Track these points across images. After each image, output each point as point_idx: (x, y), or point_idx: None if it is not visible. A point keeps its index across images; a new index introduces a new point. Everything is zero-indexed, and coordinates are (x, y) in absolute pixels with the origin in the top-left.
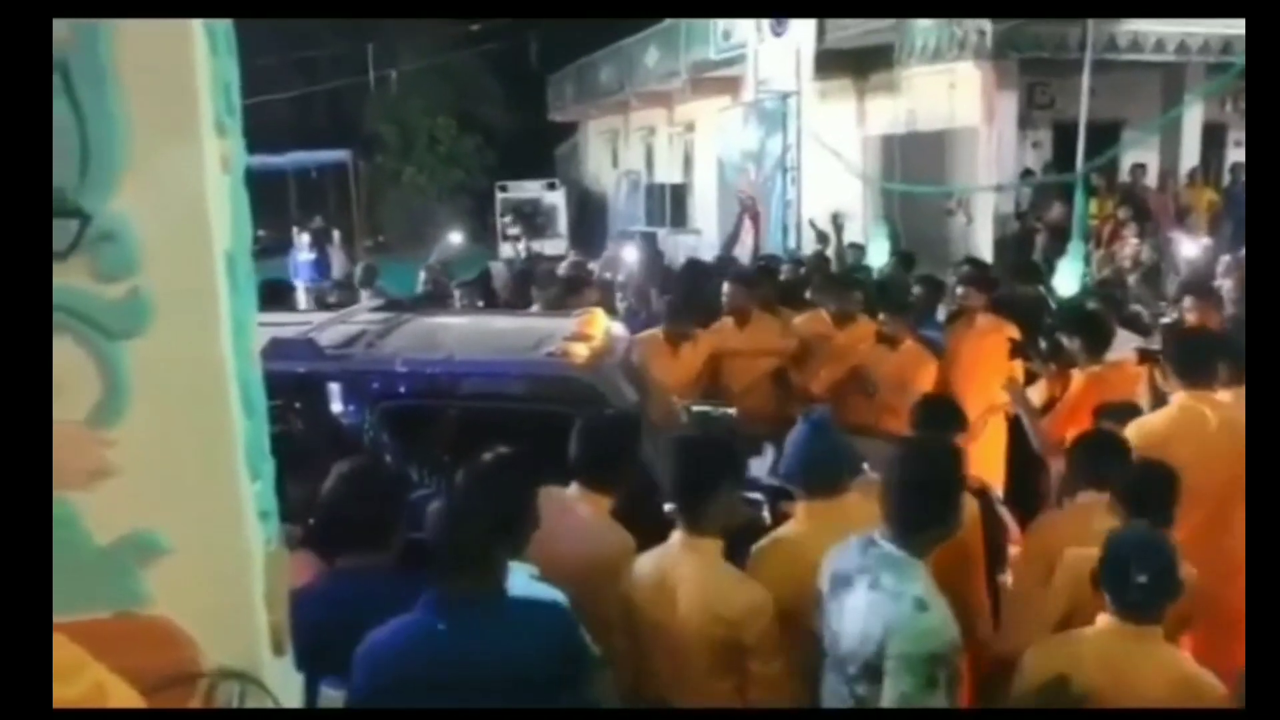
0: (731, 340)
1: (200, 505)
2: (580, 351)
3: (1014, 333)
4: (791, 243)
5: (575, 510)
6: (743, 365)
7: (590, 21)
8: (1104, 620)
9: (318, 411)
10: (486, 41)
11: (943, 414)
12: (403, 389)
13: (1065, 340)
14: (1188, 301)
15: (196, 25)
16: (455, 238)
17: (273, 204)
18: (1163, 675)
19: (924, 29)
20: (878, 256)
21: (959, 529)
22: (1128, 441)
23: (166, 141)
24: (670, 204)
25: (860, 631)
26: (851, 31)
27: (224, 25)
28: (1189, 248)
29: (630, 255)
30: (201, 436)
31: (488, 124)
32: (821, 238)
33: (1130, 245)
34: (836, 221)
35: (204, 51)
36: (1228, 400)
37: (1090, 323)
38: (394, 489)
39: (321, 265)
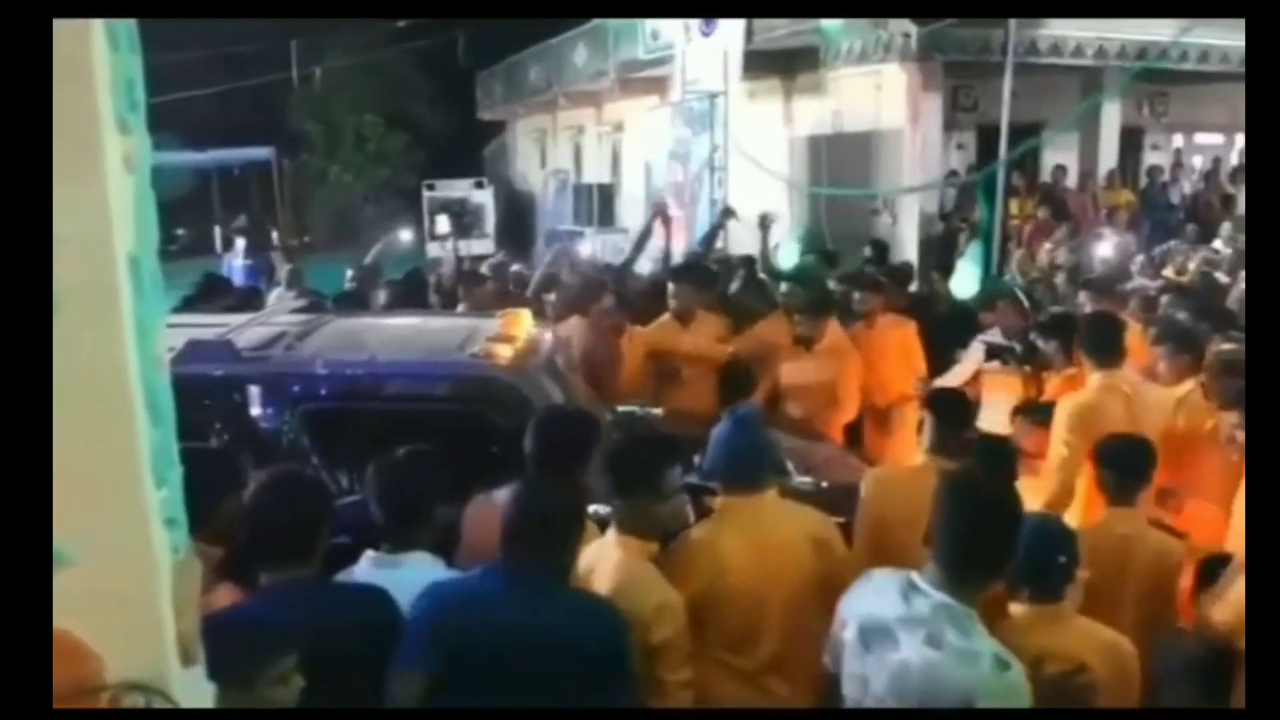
0: (673, 339)
1: (104, 514)
2: (503, 352)
3: (912, 330)
4: (719, 244)
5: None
6: (685, 365)
7: (519, 20)
8: (1021, 610)
9: (236, 416)
10: (414, 39)
11: None
12: (324, 391)
13: (1041, 343)
14: (1082, 296)
15: (96, 21)
16: (403, 236)
17: (195, 202)
18: (1090, 645)
19: (849, 31)
20: (787, 259)
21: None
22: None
23: (64, 140)
24: (598, 204)
25: (920, 694)
26: (779, 33)
27: (126, 20)
28: (1105, 247)
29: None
30: (104, 444)
31: (416, 122)
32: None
33: (1047, 247)
34: (764, 223)
35: (103, 48)
36: (1136, 379)
37: (1068, 326)
38: (314, 495)
39: (257, 269)
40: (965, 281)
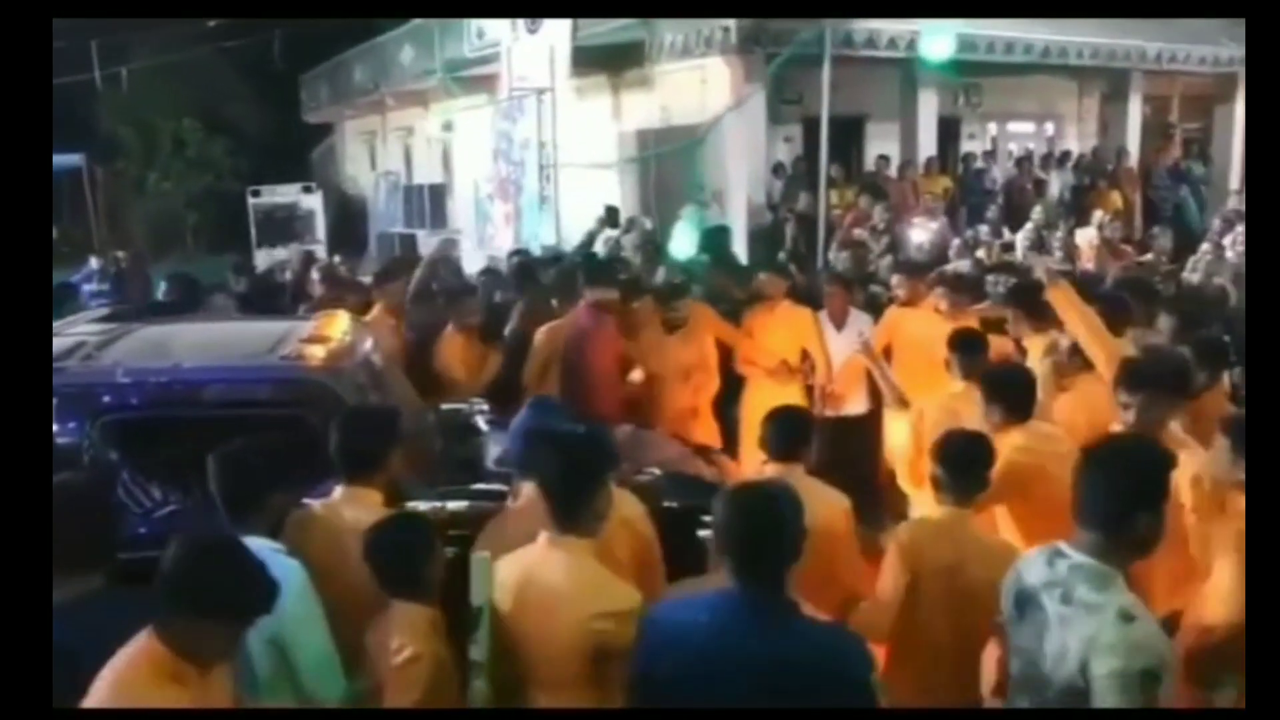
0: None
1: None
2: (316, 353)
3: (808, 318)
4: (550, 239)
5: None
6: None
7: (342, 20)
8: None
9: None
10: (226, 39)
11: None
12: (131, 401)
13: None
14: (896, 279)
15: None
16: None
17: None
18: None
19: (672, 25)
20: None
21: (1158, 543)
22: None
23: None
24: (429, 205)
25: (1056, 651)
26: (604, 28)
27: None
28: (921, 233)
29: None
30: None
31: (237, 126)
32: (612, 222)
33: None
34: (612, 216)
35: None
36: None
37: (1027, 293)
38: (95, 503)
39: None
40: (682, 242)
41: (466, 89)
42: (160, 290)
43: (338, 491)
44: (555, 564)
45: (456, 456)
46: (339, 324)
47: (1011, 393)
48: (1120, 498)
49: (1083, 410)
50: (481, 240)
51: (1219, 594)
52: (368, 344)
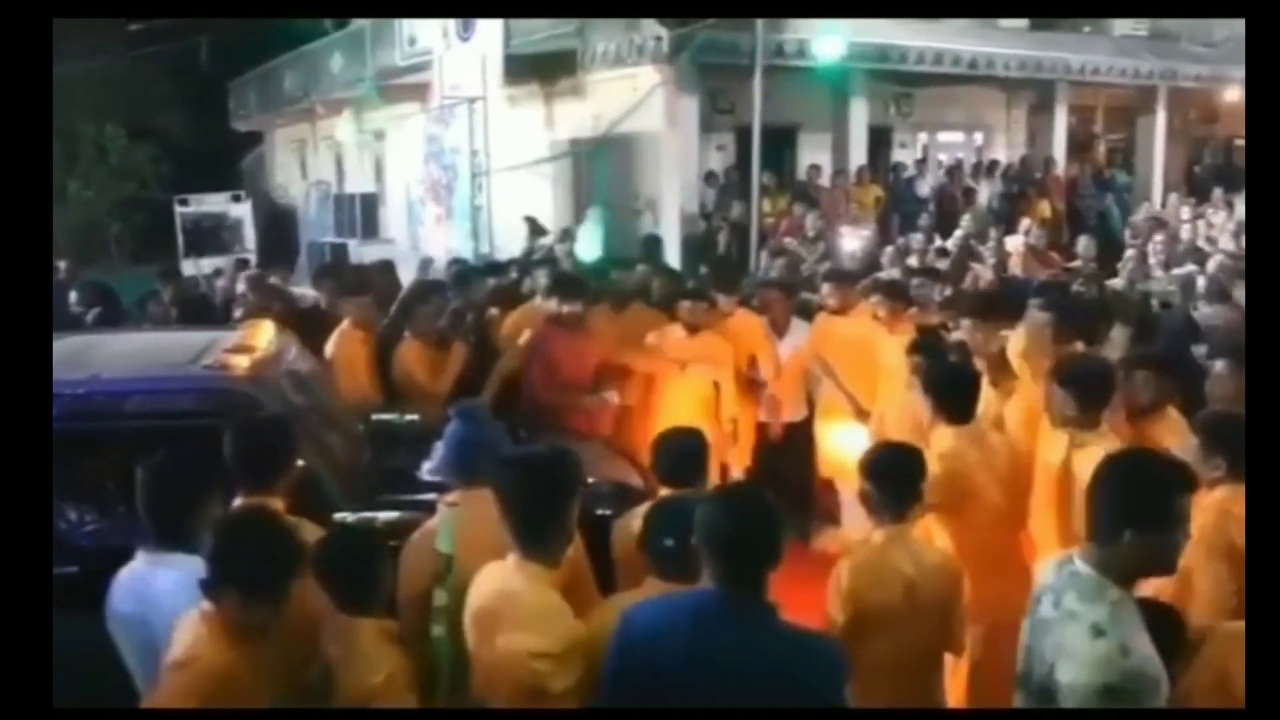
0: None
1: None
2: (240, 363)
3: (759, 326)
4: (483, 247)
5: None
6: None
7: (269, 23)
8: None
9: None
10: (149, 44)
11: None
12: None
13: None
14: (826, 288)
15: None
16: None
17: None
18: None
19: (604, 34)
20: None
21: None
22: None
23: None
24: (361, 214)
25: (1036, 650)
26: (537, 37)
27: None
28: (852, 241)
29: None
30: None
31: (163, 133)
32: (537, 230)
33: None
34: (535, 226)
35: None
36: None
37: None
38: None
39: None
40: (590, 245)
41: (399, 97)
42: (71, 300)
43: (236, 504)
44: (511, 591)
45: (386, 467)
46: (264, 333)
47: (949, 394)
48: (1110, 512)
49: (1020, 413)
50: (414, 248)
51: (1187, 591)
52: (293, 353)
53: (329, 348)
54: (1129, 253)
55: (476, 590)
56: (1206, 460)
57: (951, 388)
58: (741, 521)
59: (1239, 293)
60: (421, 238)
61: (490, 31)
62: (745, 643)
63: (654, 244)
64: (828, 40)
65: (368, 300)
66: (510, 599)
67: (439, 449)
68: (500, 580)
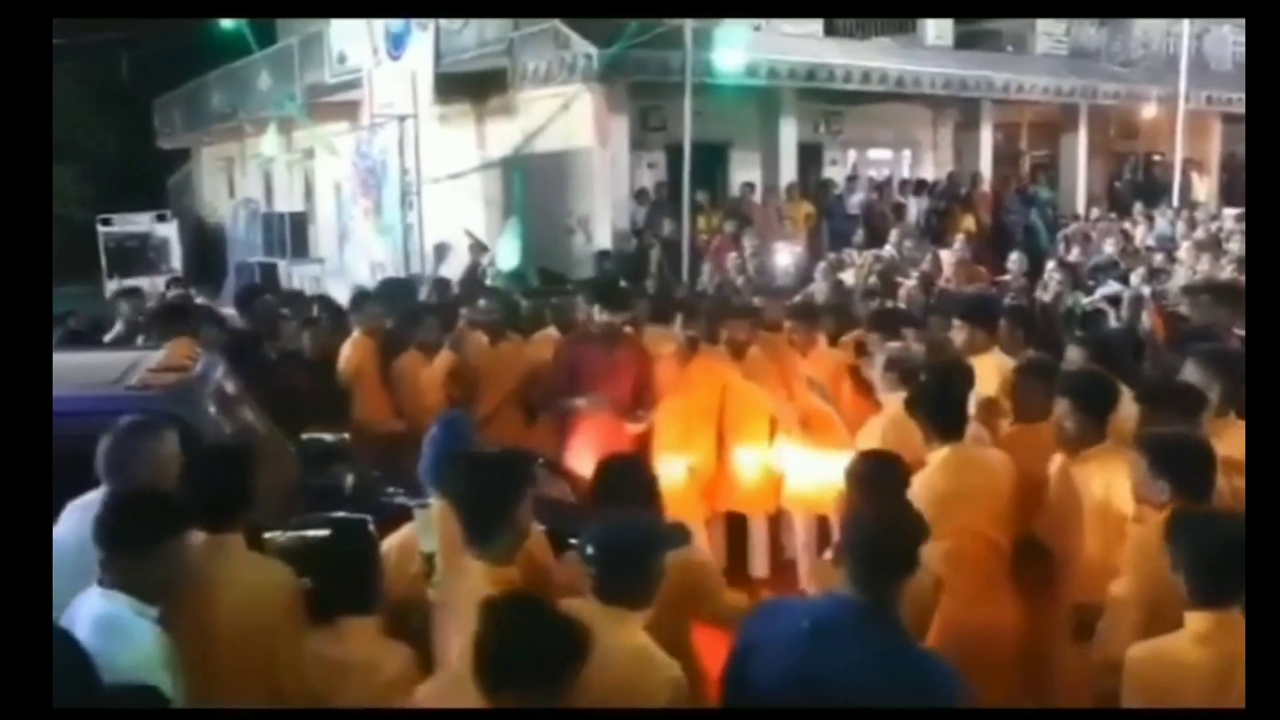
0: (484, 357)
1: None
2: (165, 382)
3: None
4: (415, 267)
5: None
6: (492, 385)
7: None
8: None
9: None
10: (67, 59)
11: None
12: None
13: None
14: (758, 300)
15: None
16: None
17: None
18: None
19: (534, 52)
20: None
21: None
22: None
23: None
24: (290, 233)
25: None
26: (467, 55)
27: None
28: (785, 256)
29: None
30: None
31: (86, 152)
32: (478, 248)
33: (733, 255)
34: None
35: None
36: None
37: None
38: None
39: None
40: (508, 255)
41: (328, 115)
42: None
43: (198, 540)
44: (463, 587)
45: (316, 485)
46: (188, 351)
47: (939, 412)
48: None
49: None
50: (345, 268)
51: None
52: (219, 372)
53: (340, 359)
54: (1050, 264)
55: (436, 595)
56: (1153, 482)
57: (940, 405)
58: (884, 530)
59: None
60: (352, 257)
61: (421, 49)
62: (872, 654)
63: (603, 259)
64: (731, 53)
65: (378, 310)
66: (460, 595)
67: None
68: (455, 577)
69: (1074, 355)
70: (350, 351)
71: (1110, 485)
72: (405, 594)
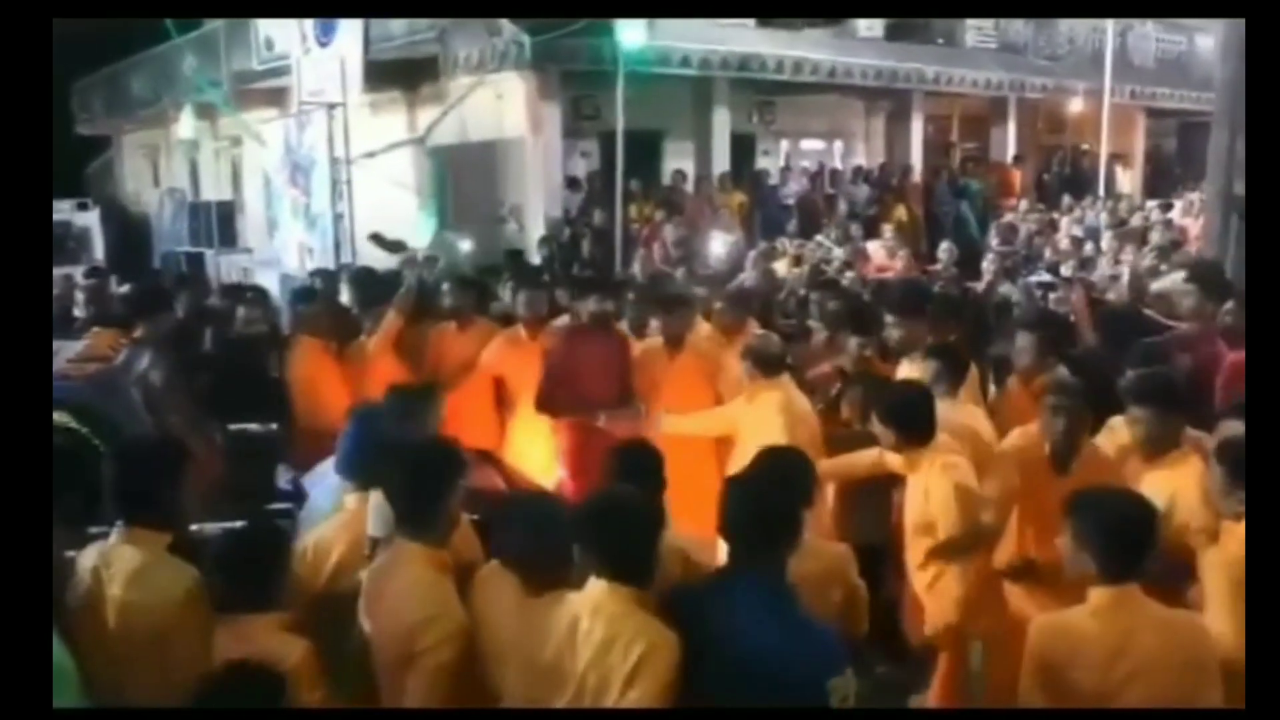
0: (454, 345)
1: None
2: (85, 372)
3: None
4: (345, 257)
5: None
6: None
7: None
8: None
9: None
10: None
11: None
12: None
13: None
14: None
15: None
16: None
17: None
18: None
19: (466, 39)
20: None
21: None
22: None
23: None
24: (218, 223)
25: None
26: (397, 42)
27: None
28: (718, 245)
29: None
30: None
31: None
32: (397, 247)
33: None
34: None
35: None
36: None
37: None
38: None
39: None
40: (424, 231)
41: (256, 102)
42: None
43: (114, 535)
44: (392, 569)
45: (242, 478)
46: (112, 343)
47: (907, 419)
48: None
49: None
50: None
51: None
52: (144, 363)
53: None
54: (989, 257)
55: (368, 574)
56: (1231, 494)
57: (908, 412)
58: (766, 505)
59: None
60: (281, 247)
61: (350, 36)
62: (768, 628)
63: (516, 257)
64: (632, 31)
65: (319, 309)
66: (390, 576)
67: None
68: (384, 560)
69: (1024, 341)
70: (301, 354)
71: (1178, 494)
72: (325, 588)
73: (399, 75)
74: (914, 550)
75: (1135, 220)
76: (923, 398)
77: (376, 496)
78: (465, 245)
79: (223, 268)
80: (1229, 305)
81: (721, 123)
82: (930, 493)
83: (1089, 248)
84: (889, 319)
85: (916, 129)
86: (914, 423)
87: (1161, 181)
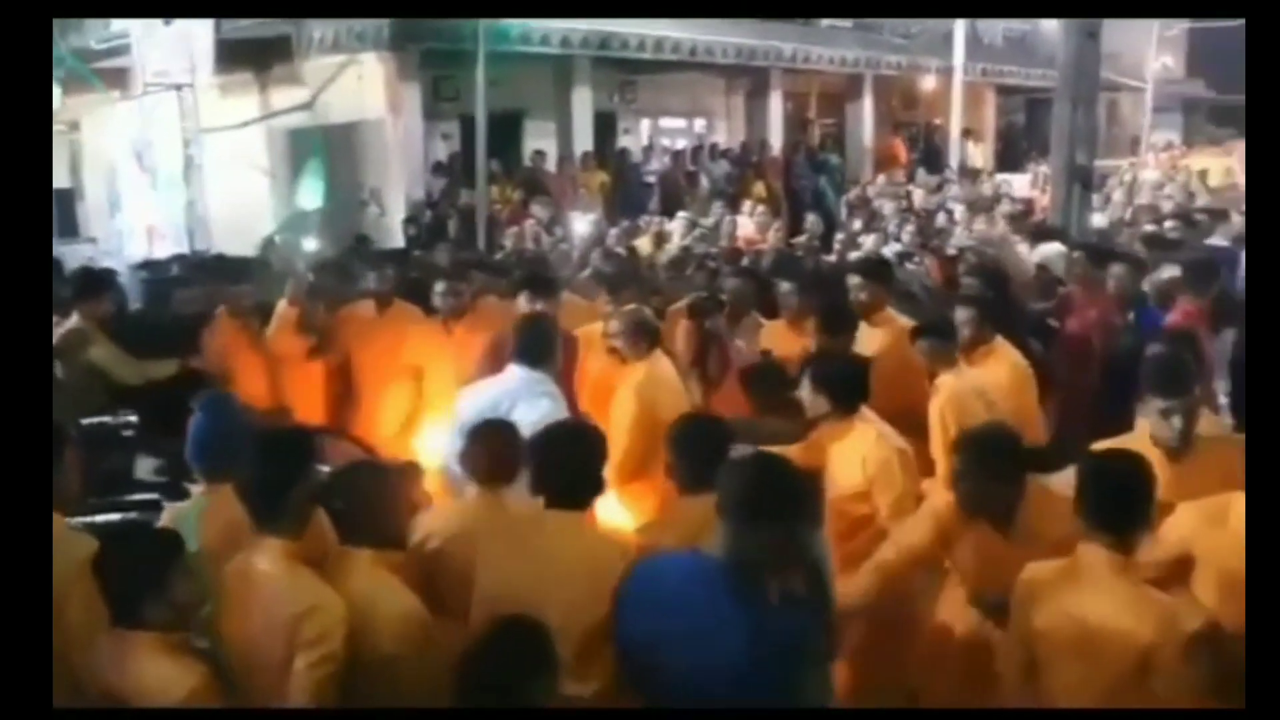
0: (370, 328)
1: None
2: None
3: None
4: (199, 243)
5: None
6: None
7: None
8: None
9: None
10: None
11: None
12: None
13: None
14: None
15: None
16: None
17: None
18: None
19: (321, 20)
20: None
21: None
22: None
23: None
24: (56, 212)
25: None
26: (248, 20)
27: None
28: (582, 224)
29: None
30: None
31: None
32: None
33: (530, 223)
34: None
35: None
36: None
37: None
38: None
39: None
40: (309, 195)
41: (97, 83)
42: None
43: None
44: (252, 569)
45: (103, 470)
46: None
47: (843, 386)
48: None
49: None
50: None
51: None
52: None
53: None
54: (840, 236)
55: (224, 577)
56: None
57: (843, 379)
58: (767, 487)
59: None
60: (126, 235)
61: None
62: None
63: (363, 243)
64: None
65: (246, 289)
66: (250, 575)
67: None
68: (242, 561)
69: (964, 315)
70: (218, 334)
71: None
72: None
73: (250, 56)
74: (840, 521)
75: (986, 190)
76: (857, 365)
77: (184, 506)
78: (310, 235)
79: (64, 259)
80: (1115, 269)
81: (583, 102)
82: (867, 460)
83: (941, 218)
84: (853, 281)
85: (775, 106)
86: (847, 390)
87: (1011, 155)
